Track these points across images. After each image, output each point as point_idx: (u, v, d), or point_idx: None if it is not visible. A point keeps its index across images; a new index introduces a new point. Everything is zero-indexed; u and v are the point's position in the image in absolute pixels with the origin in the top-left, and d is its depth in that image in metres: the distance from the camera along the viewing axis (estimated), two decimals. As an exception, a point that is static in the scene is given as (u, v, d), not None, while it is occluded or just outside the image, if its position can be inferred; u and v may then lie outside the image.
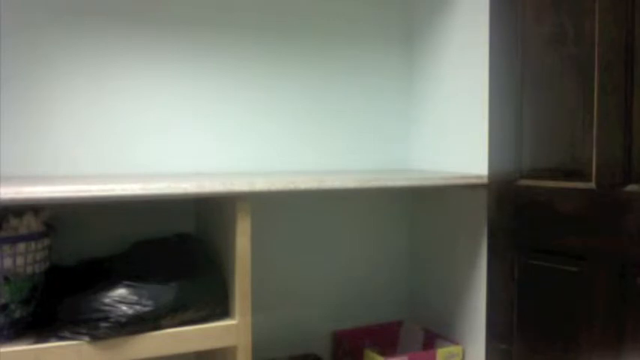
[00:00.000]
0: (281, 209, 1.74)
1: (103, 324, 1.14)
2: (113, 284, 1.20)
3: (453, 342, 1.70)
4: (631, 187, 1.22)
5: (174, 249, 1.38)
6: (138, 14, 1.55)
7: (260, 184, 1.27)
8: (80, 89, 1.48)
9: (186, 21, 1.60)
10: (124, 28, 1.53)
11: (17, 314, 1.15)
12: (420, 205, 1.92)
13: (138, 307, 1.18)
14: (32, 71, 1.43)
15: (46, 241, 1.22)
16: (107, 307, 1.16)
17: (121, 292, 1.19)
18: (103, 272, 1.25)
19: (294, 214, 1.77)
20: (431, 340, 1.77)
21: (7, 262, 1.12)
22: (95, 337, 1.14)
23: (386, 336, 1.87)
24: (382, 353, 1.64)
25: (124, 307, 1.17)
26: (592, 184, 1.28)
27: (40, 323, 1.18)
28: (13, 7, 1.41)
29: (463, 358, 1.67)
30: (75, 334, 1.14)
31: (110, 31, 1.51)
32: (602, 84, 1.26)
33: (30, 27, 1.43)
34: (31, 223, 1.18)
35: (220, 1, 1.65)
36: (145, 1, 1.55)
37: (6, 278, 1.12)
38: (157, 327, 1.20)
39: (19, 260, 1.14)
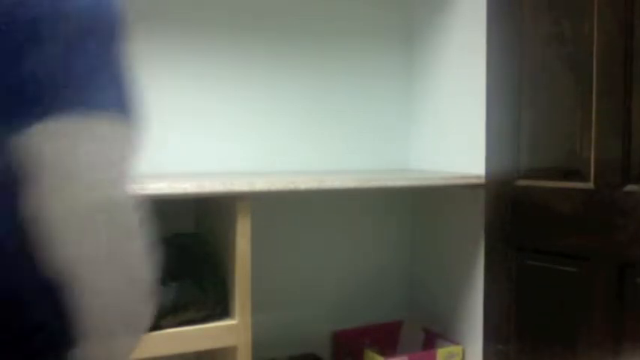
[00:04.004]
0: (281, 209, 1.74)
1: (103, 324, 1.14)
2: (113, 284, 1.20)
3: (453, 342, 1.70)
4: (630, 188, 1.22)
5: (174, 249, 1.38)
6: (137, 15, 1.54)
7: (260, 184, 1.27)
8: (80, 90, 1.49)
9: (186, 21, 1.60)
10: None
11: (18, 314, 1.15)
12: (420, 205, 1.92)
13: (138, 307, 1.18)
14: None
15: (47, 241, 1.22)
16: (107, 307, 1.16)
17: (121, 292, 1.19)
18: (103, 272, 1.25)
19: (294, 214, 1.77)
20: (431, 340, 1.77)
21: (8, 262, 1.12)
22: (95, 337, 1.14)
23: (386, 336, 1.87)
24: (382, 353, 1.64)
25: (124, 307, 1.17)
26: (590, 184, 1.28)
27: (40, 323, 1.18)
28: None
29: (463, 358, 1.67)
30: (75, 334, 1.14)
31: (110, 32, 1.51)
32: (601, 84, 1.26)
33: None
34: (31, 224, 1.18)
35: (220, 1, 1.65)
36: (144, 2, 1.56)
37: (6, 278, 1.13)
38: (157, 327, 1.20)
39: (20, 260, 1.14)
